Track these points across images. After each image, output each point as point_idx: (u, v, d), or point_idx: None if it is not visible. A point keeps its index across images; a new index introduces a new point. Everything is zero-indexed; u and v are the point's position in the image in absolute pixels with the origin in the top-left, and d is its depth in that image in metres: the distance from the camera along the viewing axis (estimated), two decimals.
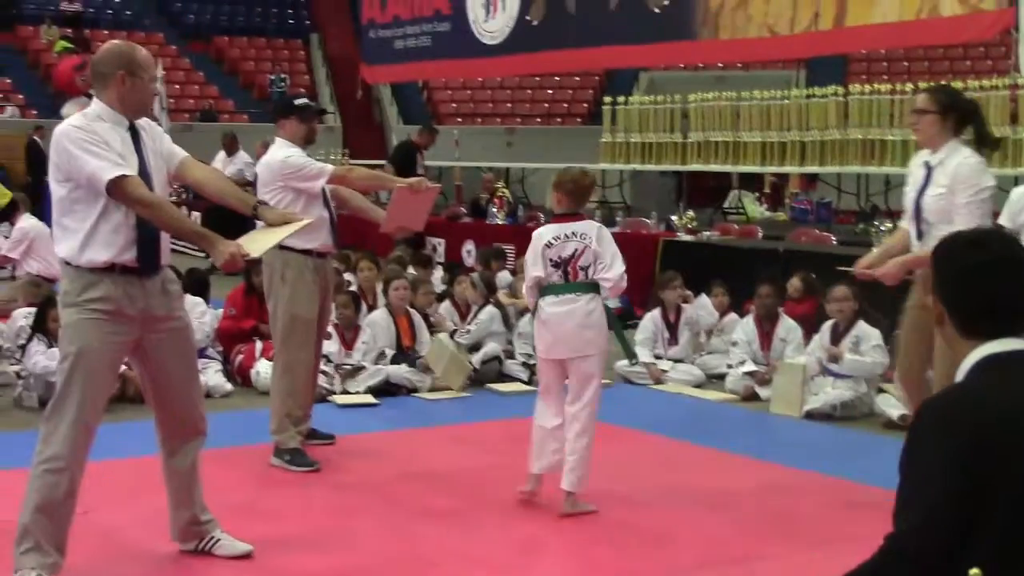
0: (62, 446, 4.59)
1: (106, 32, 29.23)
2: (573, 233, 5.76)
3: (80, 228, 4.61)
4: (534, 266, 5.80)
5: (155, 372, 4.87)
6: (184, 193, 17.30)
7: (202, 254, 4.80)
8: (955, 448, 2.31)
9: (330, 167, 6.75)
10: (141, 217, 4.62)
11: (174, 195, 16.87)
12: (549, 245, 5.75)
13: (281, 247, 6.42)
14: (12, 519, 4.67)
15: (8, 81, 27.66)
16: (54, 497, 4.60)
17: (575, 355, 5.75)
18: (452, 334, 9.43)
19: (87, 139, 4.57)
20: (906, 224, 6.03)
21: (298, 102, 7.06)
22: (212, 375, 8.63)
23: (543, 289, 5.80)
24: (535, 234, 5.89)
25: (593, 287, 5.77)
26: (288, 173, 6.56)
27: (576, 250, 5.74)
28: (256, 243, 4.94)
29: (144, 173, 4.67)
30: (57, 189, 4.66)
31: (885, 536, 2.36)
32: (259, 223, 5.15)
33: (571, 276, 5.75)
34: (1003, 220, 6.63)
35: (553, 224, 5.87)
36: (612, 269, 5.76)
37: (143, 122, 4.82)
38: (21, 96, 27.02)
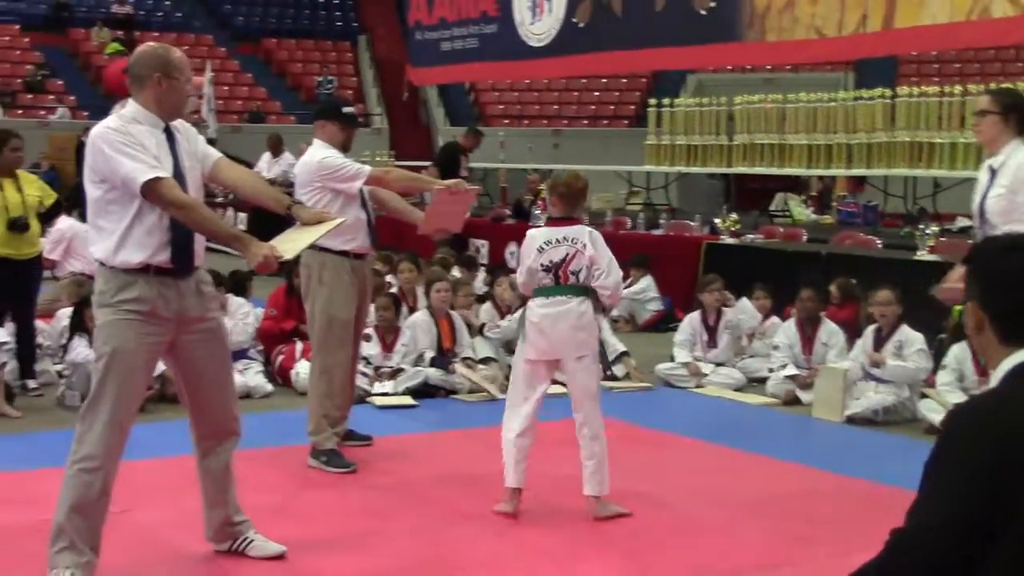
0: (96, 446, 4.61)
1: (156, 34, 29.49)
2: (564, 238, 5.75)
3: (115, 229, 4.63)
4: (527, 266, 5.81)
5: (189, 373, 4.89)
6: (230, 193, 17.41)
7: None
8: (982, 454, 2.27)
9: (368, 168, 6.74)
10: (175, 218, 4.63)
11: (221, 195, 16.99)
12: (541, 250, 5.75)
13: (319, 248, 6.46)
14: (52, 518, 4.69)
15: (60, 83, 28.01)
16: (88, 496, 4.61)
17: (570, 357, 5.74)
18: (481, 328, 9.46)
19: (122, 141, 4.59)
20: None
21: (345, 110, 7.07)
22: (253, 376, 8.69)
23: (534, 291, 5.81)
24: (528, 234, 5.89)
25: (584, 290, 5.76)
26: (325, 174, 6.57)
27: (567, 254, 5.73)
28: (290, 244, 4.93)
29: (178, 175, 4.68)
30: (92, 190, 4.68)
31: (892, 531, 2.33)
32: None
33: (562, 280, 5.74)
34: None
35: (546, 228, 5.89)
36: (609, 277, 5.77)
37: (178, 124, 4.83)
38: (73, 98, 27.33)
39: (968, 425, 2.35)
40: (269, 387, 8.68)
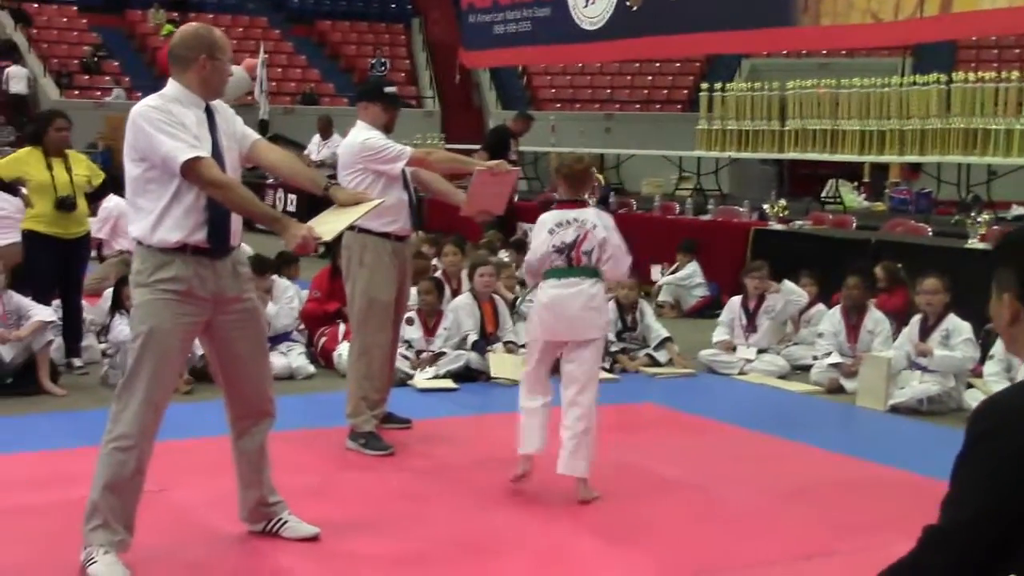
0: (131, 425, 4.61)
1: (211, 16, 29.73)
2: (575, 219, 5.83)
3: (153, 208, 4.63)
4: (538, 248, 5.90)
5: (224, 354, 4.89)
6: None
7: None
8: (1010, 446, 2.23)
9: (409, 149, 6.71)
10: (212, 199, 4.62)
11: (272, 179, 17.07)
12: (552, 232, 5.83)
13: (360, 230, 6.47)
14: None
15: (116, 64, 28.24)
16: (122, 475, 4.62)
17: (579, 337, 5.79)
18: (514, 303, 9.46)
19: (163, 119, 4.59)
20: None
21: (387, 90, 7.04)
22: (296, 357, 8.71)
23: (545, 272, 5.87)
24: (540, 219, 5.97)
25: (596, 272, 5.85)
26: (368, 155, 6.55)
27: (578, 236, 5.80)
28: (327, 225, 4.91)
29: (217, 155, 4.68)
30: (131, 169, 4.68)
31: (924, 527, 2.30)
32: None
33: (574, 261, 5.81)
34: None
35: (556, 211, 5.95)
36: (618, 266, 5.94)
37: (216, 104, 4.83)
38: (128, 79, 27.57)
39: (997, 416, 2.30)
40: (311, 369, 8.70)
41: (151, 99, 4.74)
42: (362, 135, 6.66)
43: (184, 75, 4.74)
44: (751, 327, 9.35)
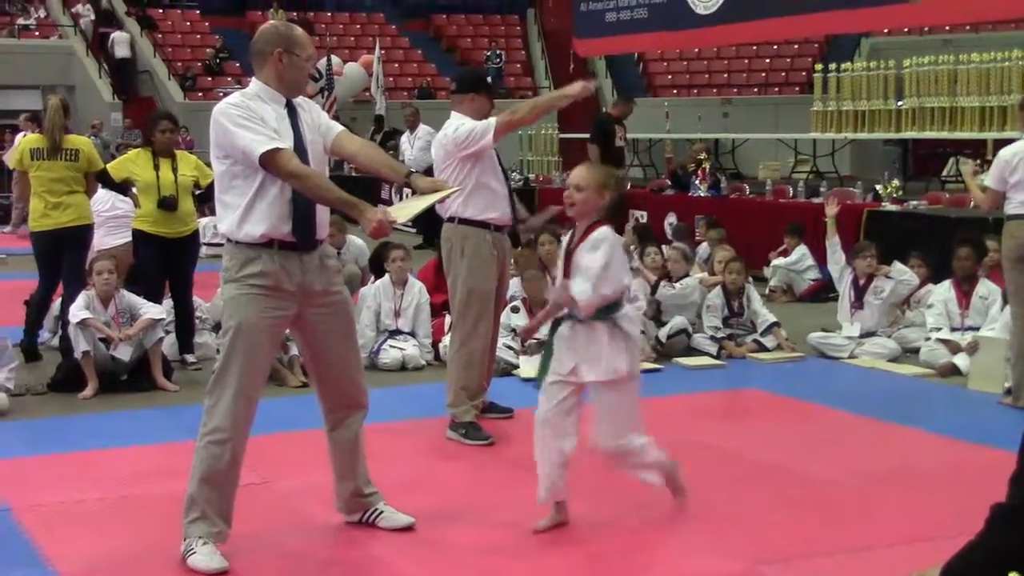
0: (224, 418, 4.70)
1: (329, 14, 30.15)
2: None
3: (239, 204, 4.70)
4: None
5: (315, 347, 4.95)
6: None
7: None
8: None
9: (493, 119, 6.58)
10: (296, 192, 4.67)
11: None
12: None
13: (459, 221, 6.51)
14: None
15: (237, 65, 28.71)
16: (217, 468, 4.71)
17: None
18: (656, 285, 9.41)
19: (241, 115, 4.67)
20: None
21: (490, 80, 7.00)
22: (411, 348, 8.78)
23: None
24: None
25: None
26: (461, 144, 6.53)
27: None
28: (404, 210, 4.97)
29: (300, 148, 4.73)
30: (217, 166, 4.78)
31: (992, 506, 2.26)
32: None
33: None
34: (990, 182, 7.08)
35: None
36: None
37: (301, 100, 4.89)
38: (250, 79, 27.94)
39: None
40: (421, 361, 8.77)
41: (232, 97, 4.84)
42: (453, 126, 6.65)
43: (263, 71, 4.83)
44: (858, 304, 9.18)
